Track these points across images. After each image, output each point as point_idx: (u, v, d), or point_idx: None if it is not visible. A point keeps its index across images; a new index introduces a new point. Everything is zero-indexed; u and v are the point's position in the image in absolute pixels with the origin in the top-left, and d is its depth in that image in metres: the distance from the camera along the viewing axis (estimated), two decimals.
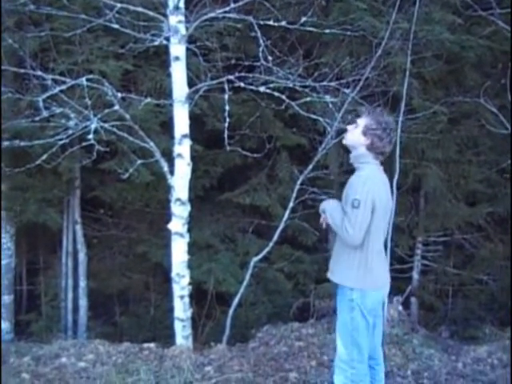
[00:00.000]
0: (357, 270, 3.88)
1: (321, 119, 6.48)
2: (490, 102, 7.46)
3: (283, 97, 6.09)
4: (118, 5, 5.65)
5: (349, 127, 4.06)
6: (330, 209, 3.99)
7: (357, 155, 3.98)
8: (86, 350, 5.96)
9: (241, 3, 5.78)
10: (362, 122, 3.97)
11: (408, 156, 7.80)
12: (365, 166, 3.93)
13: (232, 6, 5.75)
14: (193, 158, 6.04)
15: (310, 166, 6.89)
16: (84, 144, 5.82)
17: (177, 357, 5.73)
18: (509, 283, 8.15)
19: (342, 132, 6.62)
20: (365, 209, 3.73)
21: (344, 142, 4.12)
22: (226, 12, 5.84)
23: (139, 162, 6.18)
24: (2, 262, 7.74)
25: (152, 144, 6.00)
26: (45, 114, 5.61)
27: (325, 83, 6.23)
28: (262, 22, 5.88)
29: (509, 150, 7.60)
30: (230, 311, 7.02)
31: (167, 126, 6.44)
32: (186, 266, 6.09)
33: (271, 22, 5.88)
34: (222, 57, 6.76)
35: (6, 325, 7.82)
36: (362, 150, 3.94)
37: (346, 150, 4.19)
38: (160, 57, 6.75)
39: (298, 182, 6.96)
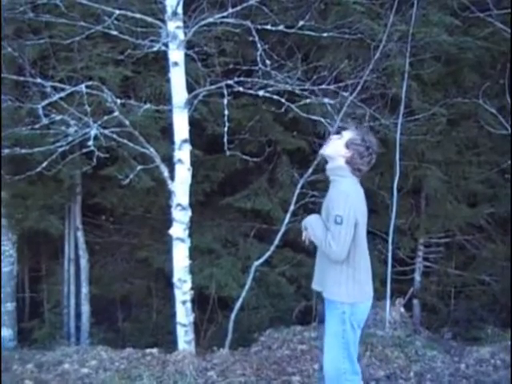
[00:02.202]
0: (345, 284, 3.89)
1: (322, 120, 6.47)
2: (489, 102, 7.46)
3: (282, 100, 6.10)
4: (117, 11, 5.67)
5: (333, 137, 4.05)
6: (311, 225, 3.98)
7: (334, 167, 3.96)
8: (89, 356, 5.97)
9: (239, 8, 5.79)
10: (347, 134, 3.97)
11: (408, 158, 7.81)
12: (342, 179, 3.91)
13: (230, 10, 5.76)
14: (193, 163, 6.05)
15: (310, 170, 6.90)
16: (84, 151, 5.84)
17: (179, 362, 5.73)
18: (510, 284, 8.14)
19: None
20: (347, 224, 3.74)
21: (322, 151, 4.10)
22: (223, 17, 5.84)
23: (139, 167, 6.17)
24: (5, 270, 7.75)
25: (152, 150, 6.01)
26: (45, 121, 5.61)
27: (323, 86, 6.23)
28: (259, 27, 5.88)
29: (509, 151, 7.60)
30: (232, 315, 7.02)
31: (167, 131, 6.45)
32: (187, 271, 6.09)
33: (269, 27, 5.88)
34: (220, 62, 6.78)
35: (8, 332, 7.83)
36: (341, 162, 3.92)
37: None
38: (159, 62, 6.75)
39: (299, 186, 6.96)
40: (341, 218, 3.72)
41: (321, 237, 3.85)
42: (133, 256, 9.26)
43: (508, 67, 7.41)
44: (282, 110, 6.33)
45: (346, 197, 3.80)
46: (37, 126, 5.71)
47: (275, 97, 6.07)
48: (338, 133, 4.18)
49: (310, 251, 8.58)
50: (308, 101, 6.31)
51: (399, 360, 5.93)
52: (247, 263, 7.82)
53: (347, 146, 3.90)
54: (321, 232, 3.85)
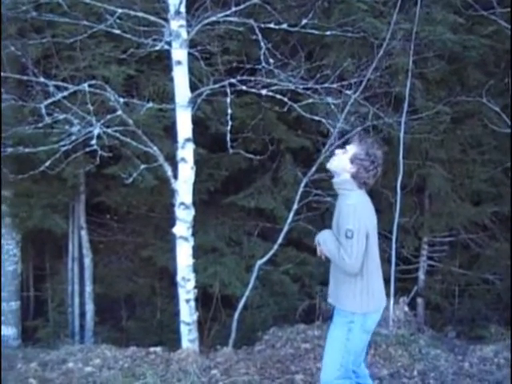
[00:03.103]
0: (360, 295, 3.92)
1: (323, 120, 6.47)
2: (493, 101, 7.45)
3: (285, 99, 6.09)
4: (120, 10, 5.67)
5: (337, 151, 4.05)
6: (325, 241, 3.99)
7: (340, 181, 3.98)
8: (93, 354, 5.98)
9: (242, 7, 5.78)
10: (351, 149, 3.96)
11: (412, 156, 7.80)
12: (351, 193, 3.93)
13: (233, 9, 5.76)
14: (197, 161, 6.05)
15: (314, 168, 6.90)
16: (88, 150, 5.85)
17: (183, 360, 5.74)
18: None
19: (345, 133, 6.65)
20: (358, 237, 3.76)
21: (328, 165, 4.10)
22: (227, 16, 5.84)
23: (143, 166, 6.18)
24: (9, 269, 7.78)
25: (155, 148, 6.01)
26: (48, 120, 5.62)
27: (327, 85, 6.23)
28: (263, 25, 5.88)
29: None
30: (236, 314, 7.03)
31: (170, 130, 6.45)
32: (191, 269, 6.09)
33: (272, 25, 5.88)
34: (223, 60, 6.77)
35: (12, 331, 7.85)
36: (347, 176, 3.94)
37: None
38: (162, 61, 6.75)
39: (302, 185, 6.97)
40: (351, 232, 3.74)
41: (334, 251, 3.87)
42: (137, 255, 9.27)
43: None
44: (285, 109, 6.32)
45: (355, 210, 3.81)
46: (40, 125, 5.72)
47: (278, 96, 6.07)
48: (343, 146, 4.18)
49: (314, 250, 8.62)
50: (311, 100, 6.31)
51: (403, 358, 5.92)
52: (251, 262, 7.83)
53: (352, 161, 3.91)
54: (334, 247, 3.87)
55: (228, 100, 5.79)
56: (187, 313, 6.11)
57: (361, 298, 3.92)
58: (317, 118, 6.54)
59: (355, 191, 3.94)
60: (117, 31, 5.83)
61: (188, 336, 6.12)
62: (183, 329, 6.14)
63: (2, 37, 6.19)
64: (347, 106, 6.50)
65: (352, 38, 6.72)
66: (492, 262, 8.90)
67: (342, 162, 3.96)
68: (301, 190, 6.97)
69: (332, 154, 4.18)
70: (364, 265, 3.85)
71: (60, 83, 5.88)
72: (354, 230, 3.74)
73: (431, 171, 8.09)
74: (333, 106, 6.37)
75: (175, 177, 5.95)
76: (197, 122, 6.20)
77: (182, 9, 5.70)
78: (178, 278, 6.08)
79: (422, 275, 8.92)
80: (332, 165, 4.04)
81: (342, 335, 3.97)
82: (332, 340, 4.05)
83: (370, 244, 3.86)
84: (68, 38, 6.12)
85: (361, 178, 3.92)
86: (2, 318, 7.72)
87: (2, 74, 5.93)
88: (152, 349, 6.13)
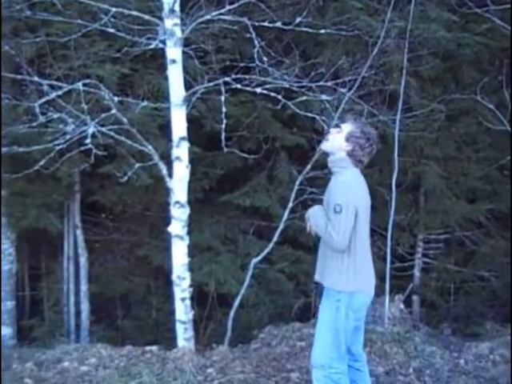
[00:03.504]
0: (346, 272, 3.90)
1: (317, 117, 6.47)
2: (488, 98, 7.46)
3: (279, 97, 6.09)
4: (114, 9, 5.66)
5: (332, 130, 4.05)
6: (314, 216, 4.00)
7: (335, 159, 3.98)
8: (89, 353, 5.96)
9: (236, 5, 5.79)
10: (346, 127, 3.97)
11: (407, 154, 7.80)
12: (343, 170, 3.93)
13: (227, 8, 5.77)
14: (192, 160, 6.05)
15: (309, 166, 6.90)
16: (82, 148, 5.84)
17: (179, 359, 5.73)
18: (509, 280, 8.15)
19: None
20: (347, 213, 3.74)
21: (323, 147, 4.11)
22: (221, 14, 5.85)
23: (138, 165, 6.17)
24: (4, 268, 7.75)
25: (150, 147, 6.01)
26: (42, 119, 5.62)
27: (321, 83, 6.23)
28: (257, 24, 5.89)
29: (508, 147, 7.60)
30: (232, 312, 7.03)
31: (165, 128, 6.45)
32: (186, 268, 6.09)
33: (266, 23, 5.90)
34: (218, 59, 6.77)
35: (8, 330, 7.82)
36: (342, 154, 3.94)
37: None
38: (156, 60, 6.74)
39: (297, 183, 6.97)
40: (340, 207, 3.73)
41: (322, 226, 3.87)
42: (132, 254, 9.26)
43: (506, 63, 7.39)
44: (279, 107, 6.33)
45: (345, 186, 3.82)
46: (34, 124, 5.71)
47: (272, 94, 6.07)
48: (336, 126, 4.17)
49: (310, 248, 8.64)
50: (304, 98, 6.31)
51: (398, 356, 5.93)
52: (246, 260, 7.82)
53: (347, 139, 3.92)
54: (322, 222, 3.87)
55: (222, 98, 5.79)
56: (183, 311, 6.11)
57: (347, 276, 3.89)
58: (310, 114, 6.53)
59: (350, 169, 3.94)
60: (111, 30, 5.83)
61: (184, 335, 6.12)
62: (179, 327, 6.14)
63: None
64: (342, 104, 6.50)
65: (346, 36, 6.71)
66: (487, 260, 8.92)
67: (337, 141, 3.96)
68: (296, 187, 6.96)
69: (327, 135, 4.15)
70: (351, 243, 3.83)
71: (54, 82, 5.87)
72: (342, 205, 3.73)
73: (426, 169, 8.10)
74: (327, 104, 6.36)
75: (170, 175, 5.94)
76: (191, 121, 6.20)
77: (177, 7, 5.69)
78: (174, 277, 6.08)
79: (417, 273, 8.92)
80: (327, 146, 4.05)
81: (330, 315, 3.95)
82: (321, 322, 4.05)
83: (359, 223, 3.84)
84: (62, 37, 6.11)
85: (356, 155, 3.92)
86: None
87: None
88: (148, 348, 6.13)
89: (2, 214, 7.56)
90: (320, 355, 4.03)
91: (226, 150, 6.03)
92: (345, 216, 3.74)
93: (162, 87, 6.74)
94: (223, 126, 5.77)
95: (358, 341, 4.23)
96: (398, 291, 7.71)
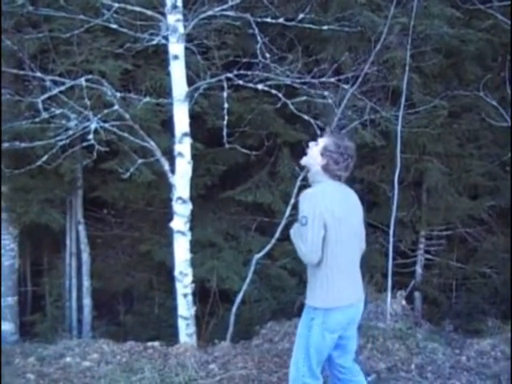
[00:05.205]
0: (320, 289, 3.79)
1: (313, 119, 6.45)
2: (490, 95, 7.44)
3: (280, 95, 6.07)
4: (116, 4, 5.66)
5: (310, 144, 3.97)
6: (293, 232, 3.87)
7: (313, 173, 3.91)
8: (91, 349, 5.96)
9: (238, 1, 5.77)
10: (322, 141, 3.89)
11: (409, 150, 7.81)
12: (319, 184, 3.84)
13: (230, 3, 5.76)
14: (194, 156, 6.05)
15: None
16: (84, 144, 5.84)
17: (181, 355, 5.73)
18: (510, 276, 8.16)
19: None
20: (313, 225, 3.63)
21: (301, 161, 4.04)
22: (223, 10, 5.83)
23: (140, 161, 6.17)
24: (6, 264, 7.77)
25: (152, 143, 6.01)
26: (45, 115, 5.62)
27: (324, 79, 6.22)
28: (259, 20, 5.88)
29: (510, 143, 7.59)
30: (234, 308, 7.03)
31: (167, 124, 6.45)
32: (188, 264, 6.10)
33: (269, 19, 5.88)
34: (220, 55, 6.76)
35: (10, 326, 7.85)
36: (317, 168, 3.86)
37: None
38: (159, 56, 6.75)
39: (299, 179, 6.96)
40: (306, 219, 3.65)
41: (294, 241, 3.79)
42: (134, 249, 9.28)
43: (508, 59, 7.38)
44: (279, 104, 6.31)
45: (311, 198, 3.73)
46: (37, 120, 5.71)
47: (273, 91, 6.06)
48: (315, 140, 4.12)
49: None
50: (304, 98, 6.30)
51: (400, 352, 5.93)
52: (248, 256, 7.82)
53: (322, 153, 3.83)
54: (297, 237, 3.77)
55: (225, 94, 5.78)
56: (185, 307, 6.12)
57: (320, 292, 3.78)
58: (307, 117, 6.50)
59: (325, 182, 3.85)
60: (113, 26, 5.82)
61: (186, 330, 6.13)
62: (181, 323, 6.14)
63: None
64: (344, 100, 6.49)
65: (349, 33, 6.71)
66: (489, 256, 8.93)
67: (313, 155, 3.89)
68: (298, 184, 6.95)
69: (306, 149, 4.08)
70: (323, 257, 3.70)
71: (57, 78, 5.88)
72: (308, 217, 3.64)
73: (428, 165, 8.11)
74: (330, 100, 6.35)
75: (172, 171, 5.94)
76: (194, 117, 6.20)
77: (179, 3, 5.68)
78: (176, 273, 6.08)
79: (419, 269, 8.94)
80: (304, 160, 3.99)
81: (304, 333, 3.87)
82: (297, 336, 3.96)
83: (330, 236, 3.69)
84: (65, 33, 6.11)
85: (331, 170, 3.82)
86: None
87: None
88: (150, 343, 6.13)
89: (3, 210, 7.57)
90: (293, 370, 3.95)
91: (228, 146, 6.01)
92: (311, 228, 3.64)
93: (164, 83, 6.74)
94: (225, 121, 5.76)
95: (347, 353, 4.08)
96: (400, 287, 7.69)
